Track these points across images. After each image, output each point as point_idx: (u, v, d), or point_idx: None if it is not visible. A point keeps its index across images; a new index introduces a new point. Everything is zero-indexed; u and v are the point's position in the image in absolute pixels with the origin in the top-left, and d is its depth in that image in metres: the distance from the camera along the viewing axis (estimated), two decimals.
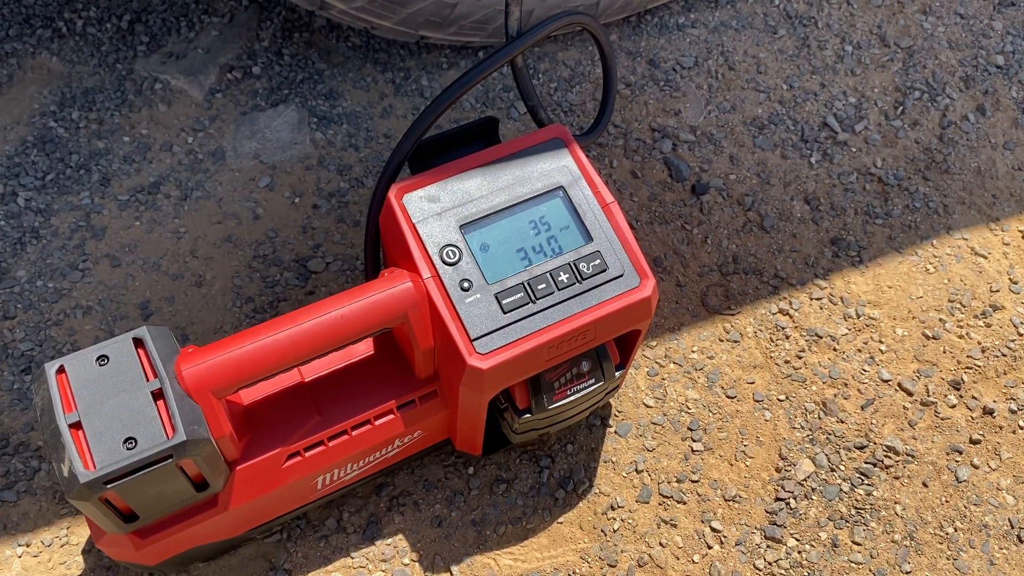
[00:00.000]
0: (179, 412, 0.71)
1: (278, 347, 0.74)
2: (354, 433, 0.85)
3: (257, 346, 0.73)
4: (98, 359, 0.73)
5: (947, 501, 1.02)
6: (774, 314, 1.13)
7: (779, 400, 1.07)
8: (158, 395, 0.72)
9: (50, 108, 1.20)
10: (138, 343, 0.74)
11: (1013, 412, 1.08)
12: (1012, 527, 1.01)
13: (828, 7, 1.39)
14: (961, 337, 1.13)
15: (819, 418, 1.06)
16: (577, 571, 0.95)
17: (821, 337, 1.11)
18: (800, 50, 1.35)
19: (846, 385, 1.08)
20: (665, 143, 1.24)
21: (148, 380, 0.72)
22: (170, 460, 0.70)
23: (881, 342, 1.12)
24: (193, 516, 0.80)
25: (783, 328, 1.12)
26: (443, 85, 1.27)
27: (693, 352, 1.10)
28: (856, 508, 1.01)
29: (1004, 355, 1.11)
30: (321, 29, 1.30)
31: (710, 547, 0.98)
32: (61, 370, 0.72)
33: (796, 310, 1.13)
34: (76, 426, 0.70)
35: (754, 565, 0.97)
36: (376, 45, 1.29)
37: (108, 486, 0.69)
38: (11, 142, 1.17)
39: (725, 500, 1.00)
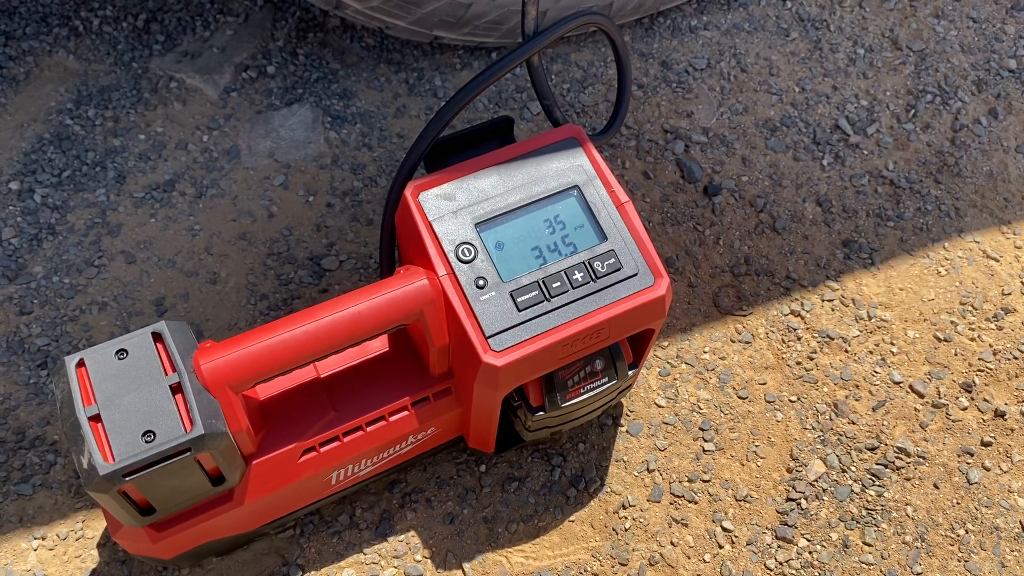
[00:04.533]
0: (197, 406, 0.71)
1: (295, 343, 0.74)
2: (369, 429, 0.85)
3: (275, 341, 0.74)
4: (117, 353, 0.74)
5: (958, 503, 1.02)
6: (786, 315, 1.13)
7: (791, 401, 1.07)
8: (176, 389, 0.72)
9: (67, 106, 1.21)
10: (157, 337, 0.75)
11: None
12: (1023, 529, 1.01)
13: (840, 10, 1.40)
14: (973, 340, 1.13)
15: (830, 419, 1.06)
16: (588, 569, 0.96)
17: (833, 339, 1.12)
18: (812, 53, 1.35)
19: (857, 387, 1.09)
20: (677, 144, 1.25)
21: (167, 374, 0.73)
22: (188, 453, 0.71)
23: (893, 344, 1.12)
24: (209, 510, 0.81)
25: (795, 329, 1.12)
26: (456, 85, 1.28)
27: (705, 353, 1.10)
28: (867, 509, 1.01)
29: (1016, 358, 1.11)
30: (335, 29, 1.31)
31: (721, 547, 0.98)
32: (81, 363, 0.73)
33: (808, 312, 1.13)
34: (95, 419, 0.70)
35: (765, 565, 0.97)
36: (390, 45, 1.30)
37: (127, 479, 0.70)
38: (28, 139, 1.18)
39: (736, 500, 1.01)
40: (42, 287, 1.08)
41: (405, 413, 0.87)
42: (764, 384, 1.08)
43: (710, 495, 1.01)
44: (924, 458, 1.04)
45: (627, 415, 1.05)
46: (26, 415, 1.00)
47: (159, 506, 0.77)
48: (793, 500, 1.01)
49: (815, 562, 0.97)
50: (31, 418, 1.00)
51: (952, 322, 1.14)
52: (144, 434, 0.70)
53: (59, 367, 0.73)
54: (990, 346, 1.12)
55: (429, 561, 0.95)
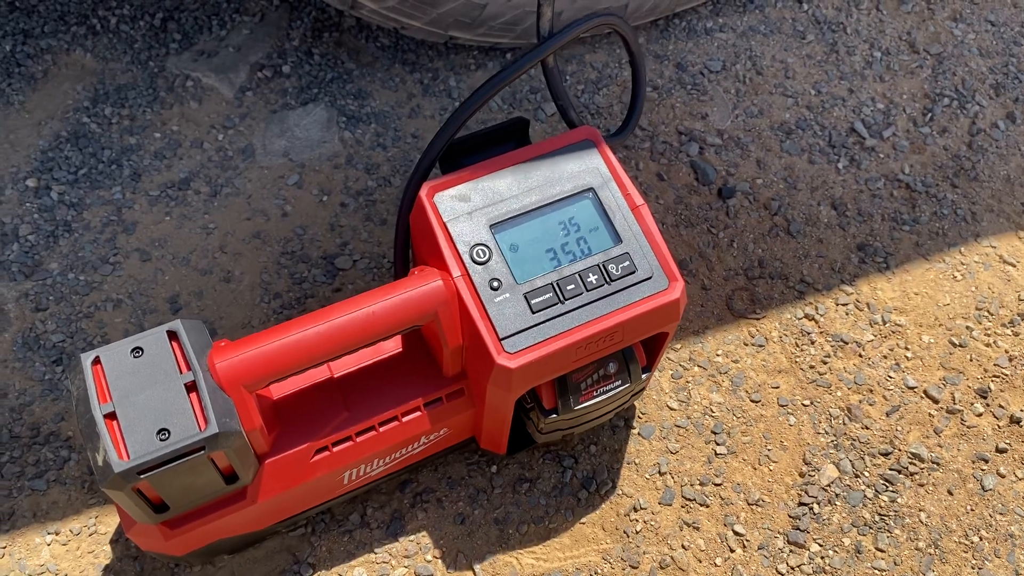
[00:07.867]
0: (212, 405, 0.71)
1: (310, 342, 0.75)
2: (381, 429, 0.86)
3: (289, 341, 0.74)
4: (133, 351, 0.74)
5: (972, 510, 1.01)
6: (799, 319, 1.12)
7: (804, 405, 1.07)
8: (191, 387, 0.73)
9: (83, 104, 1.21)
10: (172, 336, 0.75)
11: None
12: None
13: (857, 13, 1.39)
14: (988, 345, 1.12)
15: (844, 424, 1.06)
16: (599, 572, 0.96)
17: (847, 343, 1.11)
18: (828, 55, 1.35)
19: (871, 391, 1.08)
20: (692, 146, 1.24)
21: (182, 372, 0.73)
22: (202, 452, 0.71)
23: (907, 349, 1.11)
24: (222, 508, 0.81)
25: (808, 333, 1.11)
26: (471, 86, 1.28)
27: (718, 355, 1.09)
28: (880, 515, 1.00)
29: None
30: (350, 29, 1.31)
31: (732, 551, 0.98)
32: (97, 361, 0.73)
33: (822, 315, 1.13)
34: (111, 416, 0.71)
35: (776, 570, 0.97)
36: (405, 46, 1.30)
37: (141, 476, 0.70)
38: (45, 137, 1.18)
39: (748, 504, 1.00)
40: (58, 284, 1.08)
41: (418, 414, 0.87)
42: (777, 388, 1.08)
43: (722, 499, 1.01)
44: (938, 464, 1.04)
45: (639, 417, 1.05)
46: (41, 411, 1.01)
47: (172, 503, 0.77)
48: (805, 505, 1.00)
49: (827, 567, 0.97)
50: (46, 414, 1.00)
51: (967, 327, 1.13)
52: (159, 432, 0.70)
53: (75, 364, 0.74)
54: (1006, 352, 1.12)
55: (440, 561, 0.95)
